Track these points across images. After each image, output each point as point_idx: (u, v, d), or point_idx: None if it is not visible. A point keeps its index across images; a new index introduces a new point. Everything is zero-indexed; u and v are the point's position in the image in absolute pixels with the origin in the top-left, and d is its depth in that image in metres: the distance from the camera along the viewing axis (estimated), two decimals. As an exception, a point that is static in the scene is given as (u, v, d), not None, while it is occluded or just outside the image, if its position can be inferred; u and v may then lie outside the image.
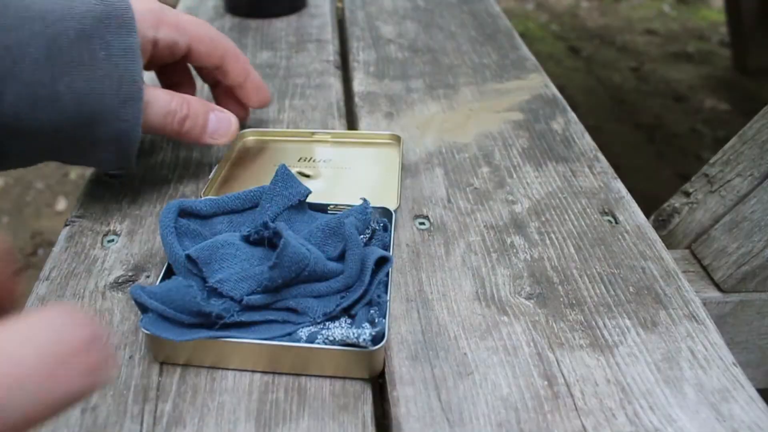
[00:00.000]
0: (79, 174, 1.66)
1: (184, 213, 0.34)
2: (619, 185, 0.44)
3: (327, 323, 0.30)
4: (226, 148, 0.47)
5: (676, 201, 0.47)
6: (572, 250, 0.37)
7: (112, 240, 0.38)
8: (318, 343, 0.29)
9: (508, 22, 0.72)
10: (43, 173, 1.65)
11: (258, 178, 0.43)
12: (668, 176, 1.63)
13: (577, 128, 0.51)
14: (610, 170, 0.45)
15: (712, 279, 0.42)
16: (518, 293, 0.34)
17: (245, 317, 0.30)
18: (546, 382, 0.29)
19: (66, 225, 0.40)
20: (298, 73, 0.59)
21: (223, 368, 0.30)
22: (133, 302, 0.33)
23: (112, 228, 0.39)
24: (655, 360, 0.30)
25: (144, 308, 0.29)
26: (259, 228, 0.32)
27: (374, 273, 0.32)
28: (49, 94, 0.33)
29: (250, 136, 0.47)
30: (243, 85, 0.45)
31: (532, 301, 0.34)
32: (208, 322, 0.29)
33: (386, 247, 0.35)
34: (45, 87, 0.33)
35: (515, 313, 0.33)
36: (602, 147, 0.48)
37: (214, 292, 0.30)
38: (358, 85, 0.57)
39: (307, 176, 0.43)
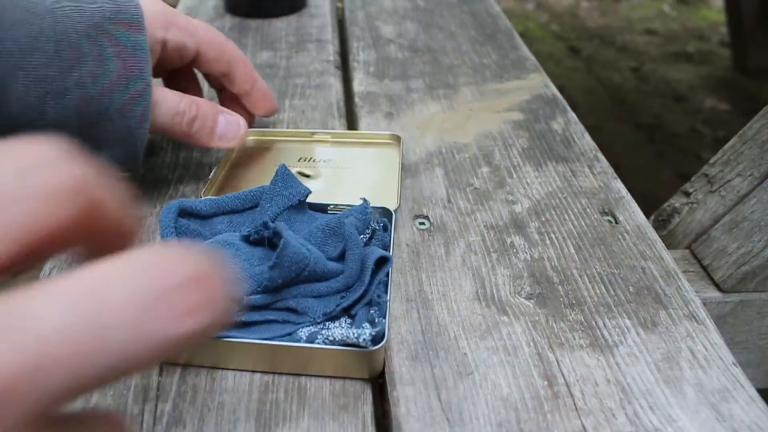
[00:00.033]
0: (79, 174, 1.66)
1: (184, 213, 0.34)
2: (619, 185, 0.44)
3: (327, 323, 0.30)
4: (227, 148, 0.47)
5: (676, 201, 0.47)
6: (572, 250, 0.37)
7: (112, 240, 0.38)
8: (318, 343, 0.29)
9: (508, 22, 0.72)
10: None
11: (258, 178, 0.43)
12: (668, 176, 1.63)
13: (577, 128, 0.51)
14: (610, 170, 0.45)
15: (712, 279, 0.42)
16: (518, 293, 0.34)
17: (245, 317, 0.30)
18: (546, 382, 0.29)
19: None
20: (298, 73, 0.59)
21: (223, 368, 0.30)
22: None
23: (112, 228, 0.39)
24: (655, 360, 0.30)
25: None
26: (259, 228, 0.32)
27: (374, 273, 0.32)
28: (57, 89, 0.33)
29: (251, 136, 0.47)
30: (249, 93, 0.45)
31: (532, 301, 0.34)
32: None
33: (386, 247, 0.35)
34: (53, 82, 0.33)
35: (515, 313, 0.33)
36: (602, 147, 0.48)
37: (214, 292, 0.30)
38: (358, 85, 0.57)
39: (307, 176, 0.43)
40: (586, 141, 0.49)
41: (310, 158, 0.45)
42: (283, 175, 0.36)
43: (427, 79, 0.58)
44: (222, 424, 0.27)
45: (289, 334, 0.30)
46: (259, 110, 0.46)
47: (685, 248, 0.46)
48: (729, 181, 0.44)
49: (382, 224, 0.36)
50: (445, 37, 0.67)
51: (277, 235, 0.31)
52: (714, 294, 0.42)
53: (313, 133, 0.47)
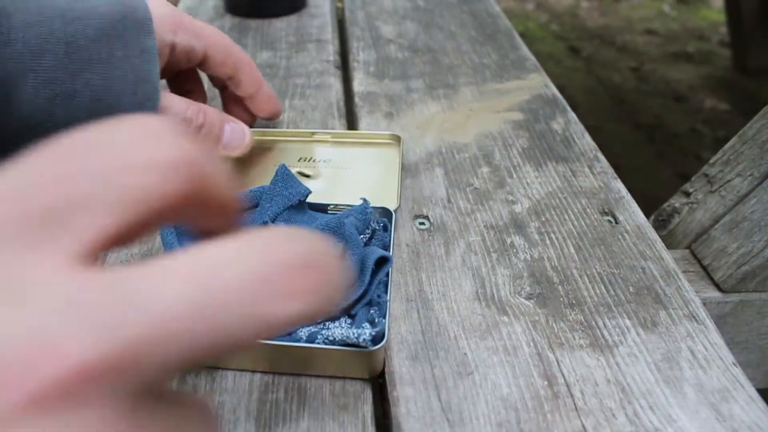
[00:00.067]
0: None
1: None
2: (619, 185, 0.44)
3: (327, 323, 0.30)
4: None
5: (676, 201, 0.47)
6: (572, 250, 0.37)
7: (112, 240, 0.38)
8: (318, 343, 0.29)
9: (508, 22, 0.72)
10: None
11: (258, 178, 0.43)
12: (668, 176, 1.63)
13: (577, 128, 0.51)
14: (610, 170, 0.45)
15: (712, 279, 0.42)
16: (518, 293, 0.34)
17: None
18: (546, 382, 0.29)
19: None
20: (298, 73, 0.59)
21: (223, 368, 0.30)
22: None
23: (112, 228, 0.39)
24: (655, 360, 0.30)
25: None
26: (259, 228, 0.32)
27: (374, 273, 0.32)
28: (66, 92, 0.33)
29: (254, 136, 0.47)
30: (255, 96, 0.45)
31: (532, 301, 0.34)
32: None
33: (386, 247, 0.35)
34: (63, 84, 0.33)
35: (515, 313, 0.33)
36: (602, 147, 0.48)
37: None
38: (358, 85, 0.57)
39: (307, 176, 0.43)
40: (586, 141, 0.49)
41: (310, 158, 0.45)
42: (283, 175, 0.36)
43: (427, 79, 0.58)
44: (222, 424, 0.27)
45: (289, 333, 0.30)
46: (264, 113, 0.46)
47: (685, 248, 0.46)
48: (729, 181, 0.44)
49: (382, 224, 0.36)
50: (445, 37, 0.67)
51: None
52: (714, 294, 0.42)
53: (313, 133, 0.47)
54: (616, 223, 0.40)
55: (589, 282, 0.35)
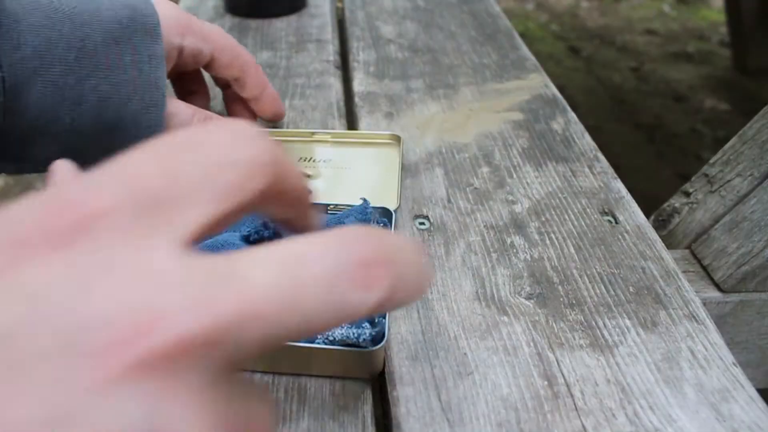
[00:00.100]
0: (79, 174, 1.66)
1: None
2: (619, 185, 0.44)
3: (327, 323, 0.30)
4: None
5: (676, 201, 0.47)
6: (572, 250, 0.37)
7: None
8: (318, 343, 0.29)
9: (508, 22, 0.72)
10: (43, 173, 1.65)
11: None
12: (668, 176, 1.63)
13: (577, 128, 0.51)
14: (610, 170, 0.45)
15: (712, 279, 0.42)
16: (518, 293, 0.34)
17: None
18: (546, 382, 0.29)
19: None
20: (298, 73, 0.59)
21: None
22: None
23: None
24: (655, 360, 0.30)
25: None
26: (259, 228, 0.32)
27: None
28: (74, 96, 0.33)
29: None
30: (259, 98, 0.45)
31: (532, 301, 0.34)
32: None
33: (386, 247, 0.35)
34: (71, 88, 0.33)
35: (515, 313, 0.33)
36: (602, 147, 0.48)
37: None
38: (358, 85, 0.57)
39: (307, 176, 0.43)
40: (586, 141, 0.49)
41: (310, 158, 0.45)
42: (283, 175, 0.36)
43: (427, 79, 0.58)
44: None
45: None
46: (267, 115, 0.46)
47: (685, 248, 0.46)
48: (729, 181, 0.44)
49: (382, 224, 0.36)
50: (445, 37, 0.67)
51: (277, 235, 0.31)
52: (714, 294, 0.42)
53: (313, 133, 0.47)
54: (616, 223, 0.40)
55: (589, 282, 0.35)
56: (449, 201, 0.42)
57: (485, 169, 0.45)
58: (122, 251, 0.13)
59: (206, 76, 0.48)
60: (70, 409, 0.11)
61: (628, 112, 1.98)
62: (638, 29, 2.62)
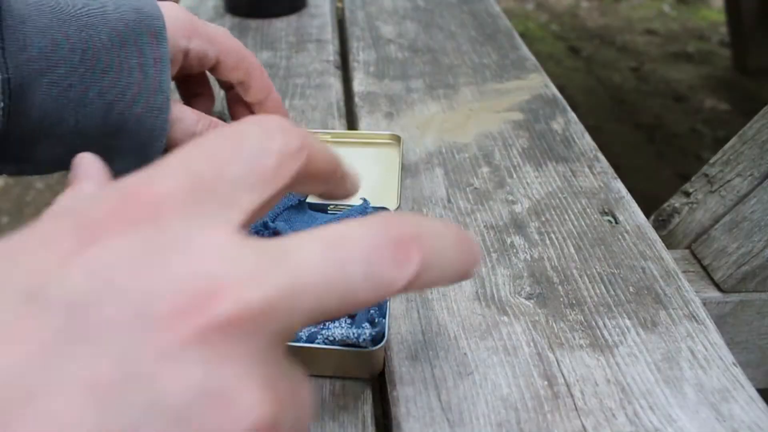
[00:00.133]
0: (79, 174, 1.66)
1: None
2: (619, 185, 0.44)
3: (327, 323, 0.30)
4: None
5: (676, 201, 0.47)
6: (572, 250, 0.37)
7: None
8: (318, 343, 0.29)
9: (508, 22, 0.72)
10: (44, 175, 1.65)
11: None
12: (668, 176, 1.63)
13: (577, 128, 0.51)
14: (610, 170, 0.45)
15: (712, 279, 0.42)
16: (518, 293, 0.34)
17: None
18: (546, 382, 0.29)
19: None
20: (298, 73, 0.59)
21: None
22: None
23: (112, 228, 0.39)
24: (655, 360, 0.30)
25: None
26: (258, 228, 0.32)
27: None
28: (78, 98, 0.33)
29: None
30: (263, 103, 0.45)
31: (532, 301, 0.34)
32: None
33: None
34: (76, 91, 0.33)
35: (515, 313, 0.33)
36: (602, 147, 0.48)
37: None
38: (358, 85, 0.57)
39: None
40: (586, 141, 0.49)
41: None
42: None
43: (427, 79, 0.58)
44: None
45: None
46: None
47: (685, 248, 0.46)
48: (729, 181, 0.44)
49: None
50: (445, 37, 0.67)
51: (276, 235, 0.31)
52: (714, 294, 0.42)
53: (313, 133, 0.47)
54: (616, 223, 0.40)
55: (589, 282, 0.35)
56: (449, 201, 0.42)
57: (485, 169, 0.45)
58: (185, 232, 0.15)
59: (211, 78, 0.47)
60: (142, 369, 0.13)
61: (628, 112, 1.98)
62: (638, 29, 2.62)
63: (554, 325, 0.32)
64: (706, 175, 0.46)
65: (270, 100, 0.45)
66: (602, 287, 0.35)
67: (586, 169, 0.45)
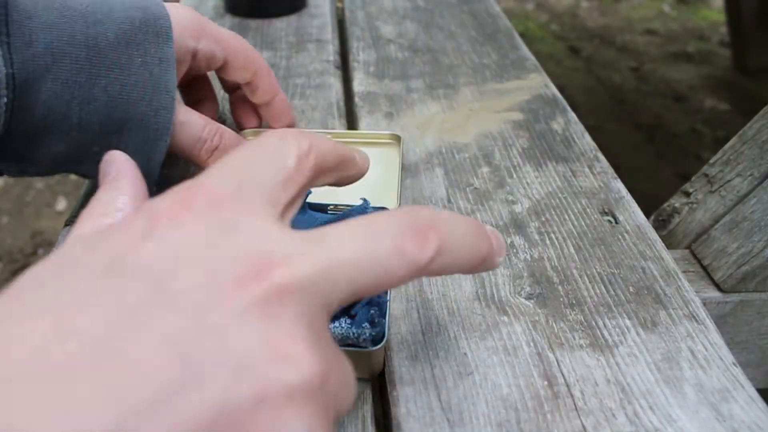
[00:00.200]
0: (79, 174, 1.66)
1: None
2: (619, 185, 0.44)
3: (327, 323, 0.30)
4: None
5: (676, 201, 0.47)
6: (572, 250, 0.37)
7: (112, 240, 0.38)
8: (318, 343, 0.29)
9: (508, 22, 0.72)
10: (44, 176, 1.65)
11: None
12: (668, 176, 1.63)
13: (577, 128, 0.51)
14: (610, 170, 0.45)
15: (712, 279, 0.42)
16: (518, 293, 0.34)
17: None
18: (546, 382, 0.29)
19: (66, 225, 0.40)
20: (298, 73, 0.59)
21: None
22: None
23: (112, 228, 0.39)
24: (655, 360, 0.30)
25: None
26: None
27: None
28: (83, 95, 0.33)
29: (250, 136, 0.47)
30: (270, 104, 0.45)
31: (532, 301, 0.34)
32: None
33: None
34: (81, 88, 0.33)
35: (515, 313, 0.33)
36: (602, 147, 0.48)
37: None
38: (358, 85, 0.57)
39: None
40: (586, 141, 0.49)
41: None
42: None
43: (427, 79, 0.58)
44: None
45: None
46: (278, 124, 0.46)
47: (685, 248, 0.46)
48: (729, 181, 0.44)
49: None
50: (445, 37, 0.67)
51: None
52: (714, 294, 0.42)
53: (314, 132, 0.47)
54: (616, 223, 0.40)
55: (589, 282, 0.35)
56: (449, 201, 0.42)
57: (485, 169, 0.45)
58: (240, 218, 0.17)
59: (215, 83, 0.47)
60: (213, 325, 0.15)
61: (628, 112, 1.98)
62: (638, 29, 2.62)
63: (554, 325, 0.32)
64: (706, 175, 0.46)
65: (277, 100, 0.45)
66: (602, 287, 0.35)
67: (586, 169, 0.45)
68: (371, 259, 0.18)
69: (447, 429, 0.27)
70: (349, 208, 0.37)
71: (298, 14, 0.73)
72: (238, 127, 0.48)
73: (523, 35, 0.72)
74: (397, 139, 0.46)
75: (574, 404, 0.28)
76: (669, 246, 0.45)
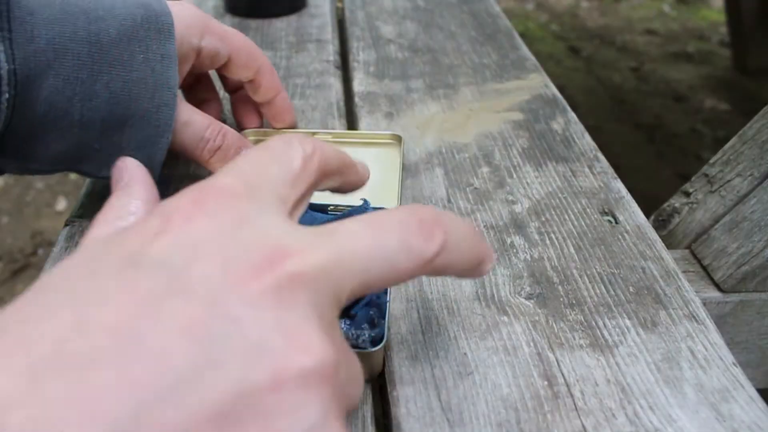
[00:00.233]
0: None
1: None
2: (619, 185, 0.44)
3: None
4: None
5: (676, 201, 0.47)
6: (572, 250, 0.37)
7: (112, 240, 0.38)
8: (318, 343, 0.29)
9: (508, 22, 0.72)
10: (45, 176, 1.65)
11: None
12: (668, 176, 1.63)
13: (577, 128, 0.51)
14: (610, 170, 0.45)
15: (712, 279, 0.42)
16: (518, 293, 0.34)
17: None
18: (546, 382, 0.29)
19: (66, 225, 0.40)
20: (298, 73, 0.59)
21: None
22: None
23: (112, 228, 0.39)
24: (655, 360, 0.30)
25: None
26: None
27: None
28: (85, 91, 0.33)
29: (251, 137, 0.47)
30: (272, 102, 0.45)
31: (532, 301, 0.34)
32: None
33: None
34: (83, 84, 0.33)
35: (515, 313, 0.33)
36: (602, 147, 0.48)
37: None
38: (358, 85, 0.57)
39: None
40: (586, 141, 0.49)
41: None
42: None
43: (427, 79, 0.58)
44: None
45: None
46: (279, 123, 0.46)
47: (685, 248, 0.46)
48: (729, 181, 0.44)
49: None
50: (445, 37, 0.67)
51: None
52: (714, 294, 0.42)
53: (313, 134, 0.47)
54: (616, 223, 0.40)
55: (589, 282, 0.35)
56: (449, 201, 0.42)
57: (485, 169, 0.45)
58: (252, 213, 0.18)
59: (217, 84, 0.47)
60: (228, 312, 0.16)
61: (628, 112, 1.98)
62: (638, 29, 2.62)
63: (554, 325, 0.32)
64: (706, 175, 0.46)
65: (279, 99, 0.45)
66: (602, 287, 0.35)
67: (586, 169, 0.45)
68: (380, 251, 0.18)
69: (447, 429, 0.27)
70: (349, 208, 0.37)
71: (298, 14, 0.73)
72: (239, 127, 0.48)
73: (523, 35, 0.72)
74: (398, 139, 0.46)
75: (574, 404, 0.28)
76: (669, 246, 0.45)
